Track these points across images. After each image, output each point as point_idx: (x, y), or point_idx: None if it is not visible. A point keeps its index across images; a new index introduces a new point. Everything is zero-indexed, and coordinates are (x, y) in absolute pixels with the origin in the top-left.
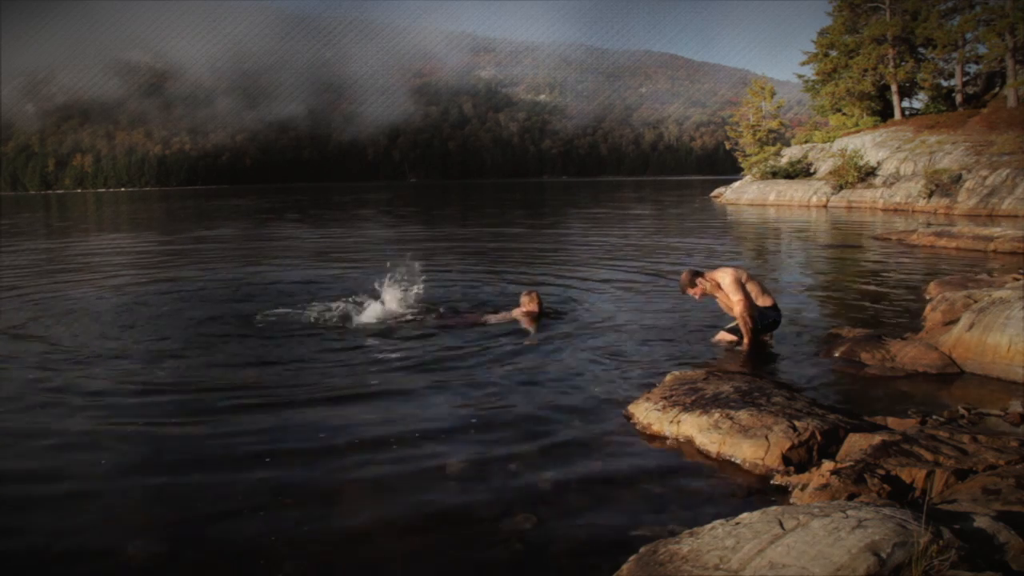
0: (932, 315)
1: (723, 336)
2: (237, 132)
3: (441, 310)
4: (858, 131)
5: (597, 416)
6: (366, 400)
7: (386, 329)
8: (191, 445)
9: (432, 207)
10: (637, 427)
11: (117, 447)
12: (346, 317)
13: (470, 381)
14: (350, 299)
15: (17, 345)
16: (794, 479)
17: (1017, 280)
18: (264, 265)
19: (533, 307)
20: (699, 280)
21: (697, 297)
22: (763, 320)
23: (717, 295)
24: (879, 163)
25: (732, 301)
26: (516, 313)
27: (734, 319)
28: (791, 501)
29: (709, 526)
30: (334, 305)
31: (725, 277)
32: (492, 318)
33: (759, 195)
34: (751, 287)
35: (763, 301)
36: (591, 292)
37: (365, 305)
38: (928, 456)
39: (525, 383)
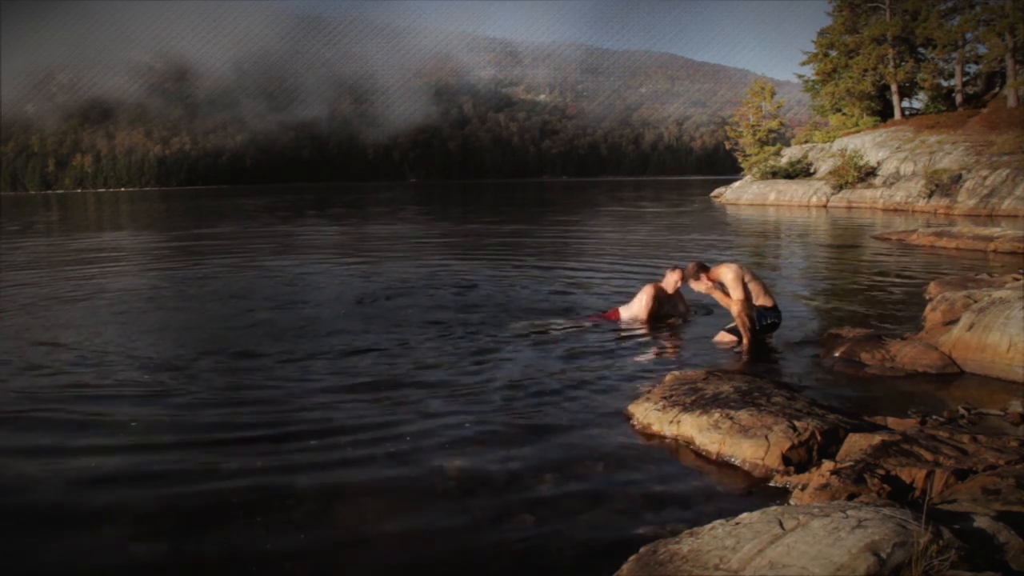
0: (932, 315)
1: (723, 336)
2: (237, 132)
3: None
4: (858, 131)
5: (597, 416)
6: (366, 401)
7: (400, 331)
8: (192, 446)
9: (446, 206)
10: (637, 427)
11: (118, 446)
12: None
13: (469, 381)
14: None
15: (33, 339)
16: (794, 479)
17: (1017, 280)
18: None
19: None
20: (703, 275)
21: (699, 290)
22: (763, 320)
23: (715, 295)
24: (879, 163)
25: (732, 299)
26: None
27: (734, 319)
28: (791, 501)
29: (709, 526)
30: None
31: (727, 273)
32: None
33: (759, 195)
34: (753, 286)
35: (764, 301)
36: (590, 290)
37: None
38: (928, 456)
39: (524, 383)
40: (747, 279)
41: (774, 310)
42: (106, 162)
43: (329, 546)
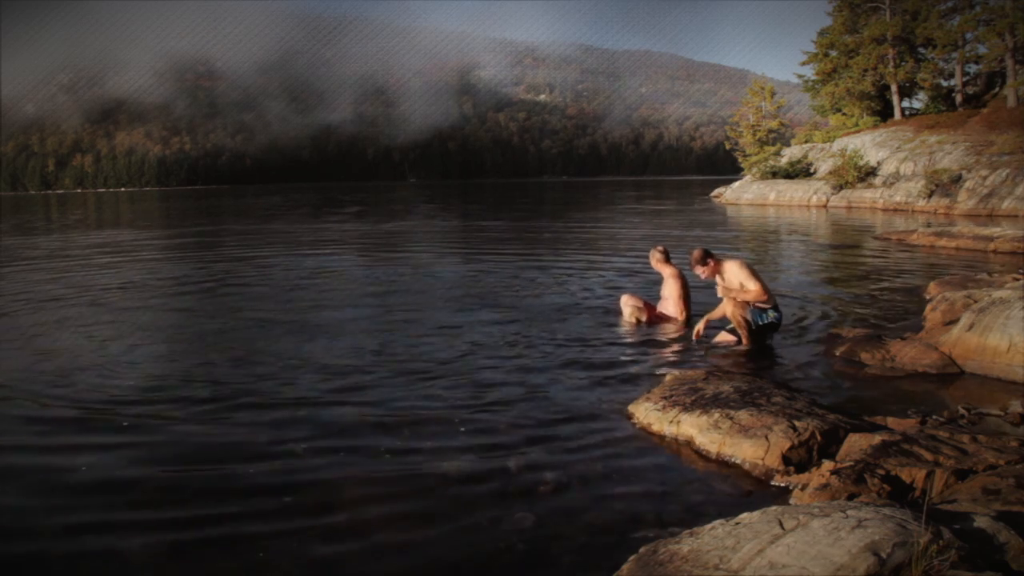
0: (932, 315)
1: (723, 337)
2: (237, 132)
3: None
4: (858, 131)
5: (597, 416)
6: (366, 401)
7: (405, 329)
8: (192, 444)
9: (458, 204)
10: (637, 427)
11: (119, 446)
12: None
13: (469, 381)
14: None
15: (58, 333)
16: (794, 479)
17: (1017, 280)
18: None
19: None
20: (710, 260)
21: (703, 277)
22: (762, 319)
23: (718, 284)
24: (879, 163)
25: (731, 293)
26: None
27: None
28: (791, 501)
29: (709, 526)
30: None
31: (732, 267)
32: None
33: (759, 195)
34: (752, 285)
35: (764, 300)
36: (589, 289)
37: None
38: (928, 456)
39: (525, 382)
40: (747, 276)
41: (774, 309)
42: (106, 162)
43: (329, 546)
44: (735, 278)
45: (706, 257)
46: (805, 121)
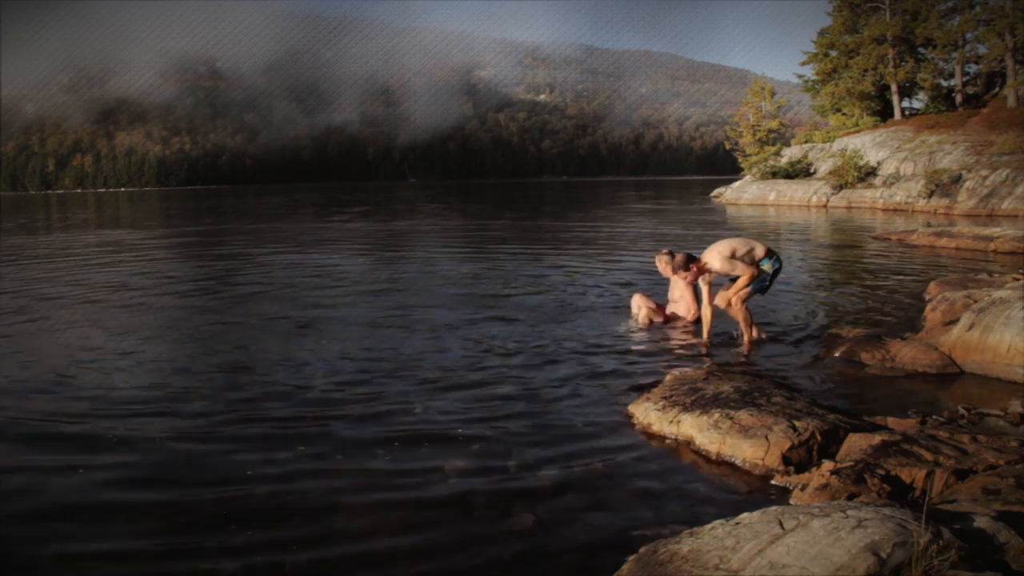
0: (932, 315)
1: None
2: (237, 132)
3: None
4: (858, 131)
5: (597, 416)
6: (366, 401)
7: (406, 328)
8: (192, 445)
9: (463, 204)
10: (637, 427)
11: (120, 447)
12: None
13: (469, 380)
14: None
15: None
16: (794, 479)
17: (1017, 280)
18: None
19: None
20: (692, 266)
21: (687, 280)
22: (764, 283)
23: (703, 287)
24: (879, 163)
25: (722, 301)
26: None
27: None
28: (791, 501)
29: (709, 526)
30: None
31: (714, 261)
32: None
33: (759, 195)
34: (741, 268)
35: (759, 253)
36: (590, 289)
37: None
38: (928, 456)
39: (525, 382)
40: (729, 255)
41: (768, 256)
42: (106, 162)
43: (329, 546)
44: (721, 269)
45: (688, 262)
46: (805, 121)
